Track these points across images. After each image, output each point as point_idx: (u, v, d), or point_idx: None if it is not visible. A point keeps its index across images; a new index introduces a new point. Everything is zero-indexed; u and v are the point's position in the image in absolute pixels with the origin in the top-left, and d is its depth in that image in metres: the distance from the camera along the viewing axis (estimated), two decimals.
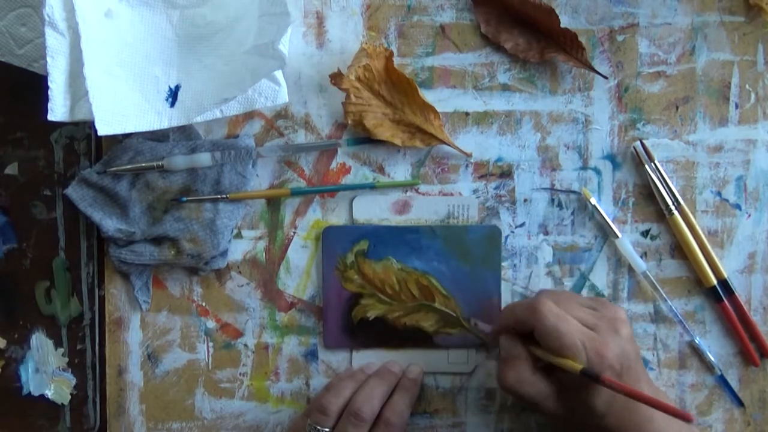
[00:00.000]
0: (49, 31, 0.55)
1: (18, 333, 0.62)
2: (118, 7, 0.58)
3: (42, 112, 0.55)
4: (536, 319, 0.52)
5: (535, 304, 0.52)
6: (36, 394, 0.62)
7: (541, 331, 0.51)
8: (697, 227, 0.61)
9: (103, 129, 0.55)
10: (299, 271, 0.62)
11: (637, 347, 0.54)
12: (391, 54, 0.59)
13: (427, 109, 0.60)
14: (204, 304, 0.62)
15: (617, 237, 0.60)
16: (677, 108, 0.61)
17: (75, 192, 0.60)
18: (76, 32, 0.56)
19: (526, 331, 0.53)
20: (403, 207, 0.61)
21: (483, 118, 0.61)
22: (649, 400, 0.48)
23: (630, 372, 0.52)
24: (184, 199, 0.59)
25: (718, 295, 0.61)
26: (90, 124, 0.57)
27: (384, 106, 0.60)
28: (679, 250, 0.61)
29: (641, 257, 0.61)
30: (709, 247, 0.60)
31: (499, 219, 0.61)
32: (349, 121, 0.59)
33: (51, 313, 0.62)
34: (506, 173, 0.61)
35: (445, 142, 0.60)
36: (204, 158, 0.59)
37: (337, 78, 0.58)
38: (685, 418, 0.47)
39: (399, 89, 0.60)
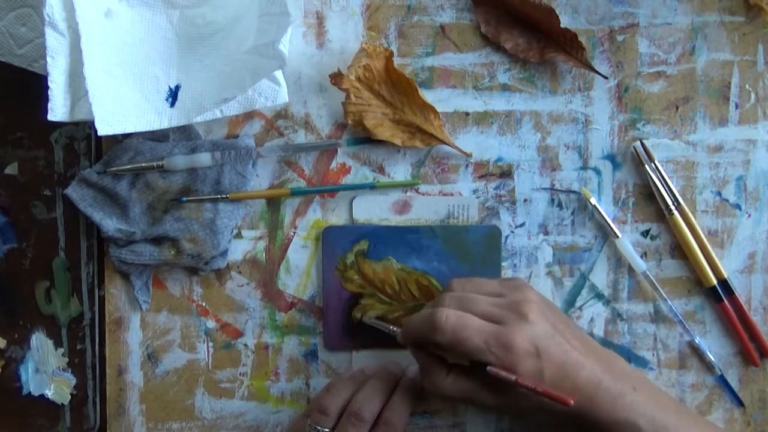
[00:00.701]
0: (49, 31, 0.55)
1: (18, 333, 0.62)
2: (118, 7, 0.58)
3: (42, 112, 0.55)
4: (436, 333, 0.51)
5: (430, 317, 0.51)
6: (36, 394, 0.62)
7: (442, 342, 0.51)
8: (697, 227, 0.61)
9: (103, 129, 0.55)
10: (299, 271, 0.62)
11: (554, 313, 0.53)
12: (391, 54, 0.59)
13: (427, 109, 0.60)
14: (204, 304, 0.62)
15: (617, 237, 0.60)
16: (677, 108, 0.61)
17: (75, 192, 0.60)
18: (76, 32, 0.56)
19: (430, 343, 0.52)
20: (403, 207, 0.61)
21: (483, 118, 0.61)
22: (526, 387, 0.48)
23: (550, 345, 0.50)
24: (184, 199, 0.59)
25: (718, 295, 0.61)
26: (90, 124, 0.57)
27: (384, 106, 0.60)
28: (679, 250, 0.61)
29: (641, 257, 0.61)
30: (709, 247, 0.60)
31: (499, 219, 0.61)
32: (349, 121, 0.59)
33: (51, 313, 0.62)
34: (506, 173, 0.61)
35: (445, 142, 0.60)
36: (204, 158, 0.59)
37: (337, 78, 0.58)
38: (564, 402, 0.47)
39: (399, 89, 0.60)
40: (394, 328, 0.57)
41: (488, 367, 0.49)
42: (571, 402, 0.47)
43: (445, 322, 0.51)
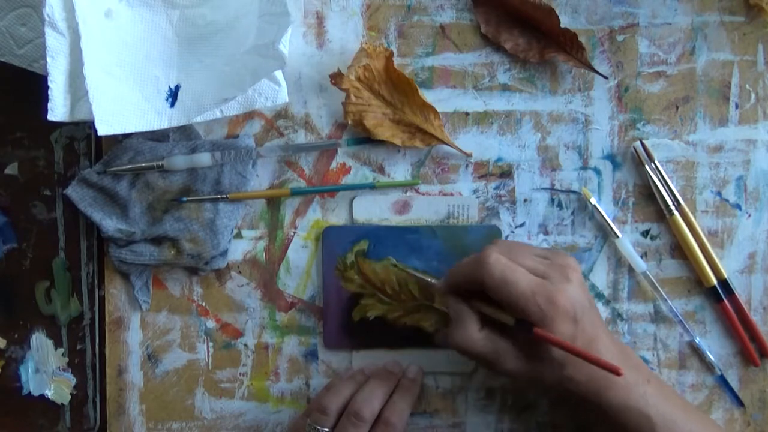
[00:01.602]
0: (49, 31, 0.55)
1: (18, 333, 0.62)
2: (118, 7, 0.58)
3: (42, 112, 0.55)
4: (484, 271, 0.51)
5: (482, 257, 0.51)
6: (36, 394, 0.62)
7: (489, 283, 0.51)
8: (697, 227, 0.61)
9: (103, 129, 0.55)
10: (299, 271, 0.62)
11: (590, 295, 0.53)
12: (391, 54, 0.59)
13: (427, 109, 0.60)
14: (204, 304, 0.62)
15: (617, 237, 0.60)
16: (677, 108, 0.61)
17: (75, 192, 0.60)
18: (76, 32, 0.56)
19: (476, 286, 0.52)
20: (403, 207, 0.61)
21: (483, 118, 0.61)
22: (577, 351, 0.49)
23: (585, 318, 0.51)
24: (184, 199, 0.59)
25: (718, 295, 0.61)
26: (90, 124, 0.57)
27: (384, 106, 0.60)
28: (679, 250, 0.61)
29: (641, 257, 0.61)
30: (709, 247, 0.60)
31: (499, 219, 0.61)
32: (349, 121, 0.59)
33: (51, 313, 0.62)
34: (506, 173, 0.61)
35: (445, 142, 0.60)
36: (204, 158, 0.59)
37: (337, 78, 0.58)
38: (614, 370, 0.47)
39: (399, 89, 0.60)
40: (433, 280, 0.57)
41: (535, 328, 0.49)
42: (622, 372, 0.47)
43: (496, 262, 0.51)
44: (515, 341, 0.52)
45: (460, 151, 0.60)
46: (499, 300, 0.51)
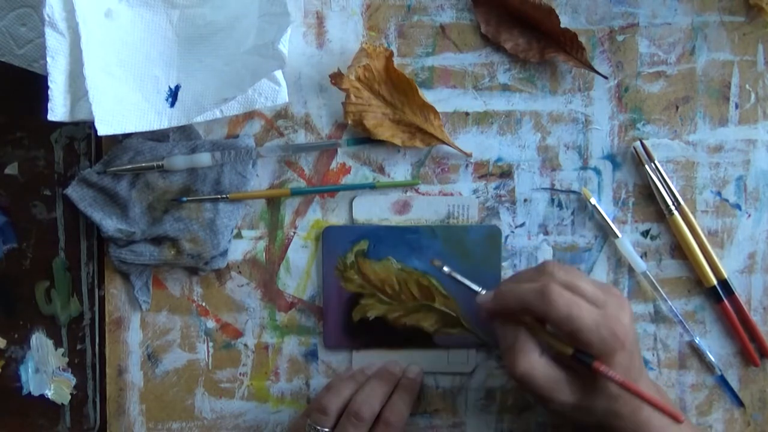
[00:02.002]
0: (49, 31, 0.55)
1: (18, 333, 0.62)
2: (118, 7, 0.58)
3: (42, 112, 0.55)
4: (548, 306, 0.49)
5: (544, 290, 0.49)
6: (36, 394, 0.62)
7: (554, 318, 0.49)
8: (697, 227, 0.61)
9: (103, 129, 0.55)
10: (299, 271, 0.62)
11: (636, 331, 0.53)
12: (391, 54, 0.59)
13: (427, 109, 0.60)
14: (204, 304, 0.62)
15: (617, 237, 0.60)
16: (677, 108, 0.61)
17: (75, 192, 0.60)
18: (76, 32, 0.56)
19: (533, 314, 0.51)
20: (403, 207, 0.61)
21: (483, 118, 0.61)
22: (641, 394, 0.49)
23: (635, 351, 0.51)
24: (184, 199, 0.59)
25: (718, 295, 0.61)
26: (90, 124, 0.57)
27: (384, 106, 0.60)
28: (679, 250, 0.61)
29: (641, 257, 0.61)
30: (709, 247, 0.60)
31: (499, 219, 0.61)
32: (349, 121, 0.59)
33: (51, 313, 0.62)
34: (506, 173, 0.61)
35: (445, 142, 0.60)
36: (204, 158, 0.59)
37: (337, 78, 0.58)
38: (676, 417, 0.47)
39: (399, 89, 0.60)
40: (482, 290, 0.55)
41: (595, 363, 0.48)
42: (683, 419, 0.48)
43: (560, 297, 0.49)
44: (570, 370, 0.51)
45: (460, 151, 0.60)
46: (562, 333, 0.50)
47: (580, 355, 0.49)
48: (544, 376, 0.50)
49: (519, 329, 0.52)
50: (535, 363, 0.50)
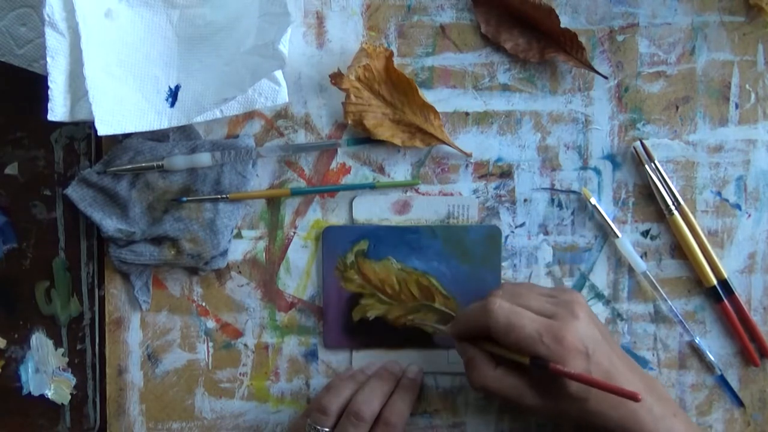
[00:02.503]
0: (49, 31, 0.55)
1: (18, 333, 0.62)
2: (118, 7, 0.58)
3: (42, 112, 0.55)
4: (489, 319, 0.51)
5: (486, 305, 0.52)
6: (36, 394, 0.62)
7: (495, 330, 0.51)
8: (697, 227, 0.61)
9: (103, 129, 0.55)
10: (299, 271, 0.62)
11: (601, 326, 0.54)
12: (391, 54, 0.59)
13: (427, 109, 0.60)
14: (204, 304, 0.62)
15: (617, 237, 0.60)
16: (677, 108, 0.61)
17: (75, 192, 0.60)
18: (76, 32, 0.56)
19: (484, 332, 0.53)
20: (403, 207, 0.61)
21: (483, 118, 0.61)
22: (590, 380, 0.49)
23: (598, 351, 0.51)
24: (184, 199, 0.59)
25: (718, 295, 0.61)
26: (90, 124, 0.57)
27: (384, 106, 0.60)
28: (679, 250, 0.61)
29: (641, 257, 0.61)
30: (709, 247, 0.60)
31: (499, 219, 0.61)
32: (349, 121, 0.59)
33: (51, 313, 0.62)
34: (506, 173, 0.61)
35: (445, 142, 0.60)
36: (204, 158, 0.59)
37: (337, 78, 0.58)
38: (632, 396, 0.47)
39: (399, 89, 0.60)
40: (440, 327, 0.58)
41: (551, 364, 0.49)
42: (640, 397, 0.47)
43: (499, 308, 0.51)
44: (531, 378, 0.52)
45: (460, 151, 0.60)
46: (506, 344, 0.51)
47: (534, 361, 0.50)
48: (503, 385, 0.52)
49: (470, 348, 0.54)
50: (489, 376, 0.52)
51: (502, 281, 0.61)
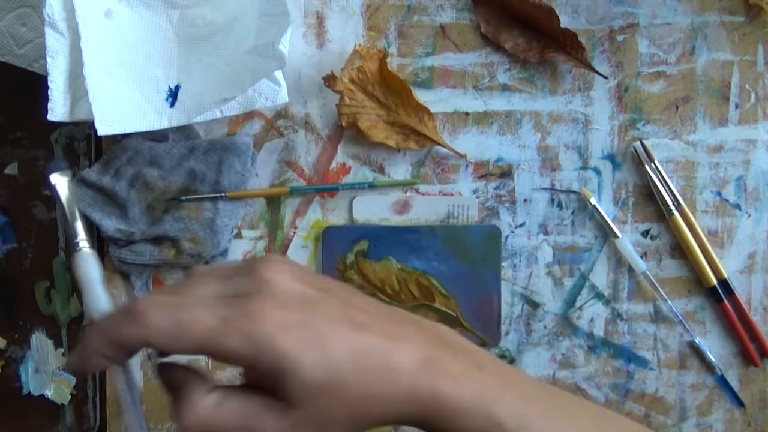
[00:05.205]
0: (49, 31, 0.55)
1: (18, 333, 0.62)
2: (118, 7, 0.58)
3: (42, 112, 0.55)
4: (142, 326, 0.34)
5: (131, 307, 0.35)
6: (36, 394, 0.62)
7: (158, 341, 0.34)
8: (697, 227, 0.61)
9: (103, 129, 0.55)
10: None
11: (322, 280, 0.38)
12: (385, 56, 0.59)
13: (421, 110, 0.60)
14: None
15: (617, 237, 0.60)
16: (677, 108, 0.61)
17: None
18: (76, 32, 0.56)
19: (135, 349, 0.36)
20: (403, 207, 0.61)
21: (483, 118, 0.61)
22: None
23: (318, 312, 0.35)
24: (184, 198, 0.59)
25: (718, 295, 0.61)
26: (90, 124, 0.57)
27: (378, 108, 0.60)
28: (679, 250, 0.61)
29: (641, 257, 0.61)
30: (709, 247, 0.60)
31: (499, 219, 0.61)
32: (344, 123, 0.59)
33: (51, 313, 0.62)
34: (506, 173, 0.61)
35: (439, 144, 0.60)
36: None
37: (330, 80, 0.58)
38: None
39: (393, 91, 0.60)
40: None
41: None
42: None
43: (154, 305, 0.34)
44: (262, 391, 0.36)
45: (455, 152, 0.60)
46: (180, 351, 0.35)
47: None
48: (226, 416, 0.35)
49: (168, 369, 0.38)
50: (200, 404, 0.36)
51: (502, 281, 0.61)
